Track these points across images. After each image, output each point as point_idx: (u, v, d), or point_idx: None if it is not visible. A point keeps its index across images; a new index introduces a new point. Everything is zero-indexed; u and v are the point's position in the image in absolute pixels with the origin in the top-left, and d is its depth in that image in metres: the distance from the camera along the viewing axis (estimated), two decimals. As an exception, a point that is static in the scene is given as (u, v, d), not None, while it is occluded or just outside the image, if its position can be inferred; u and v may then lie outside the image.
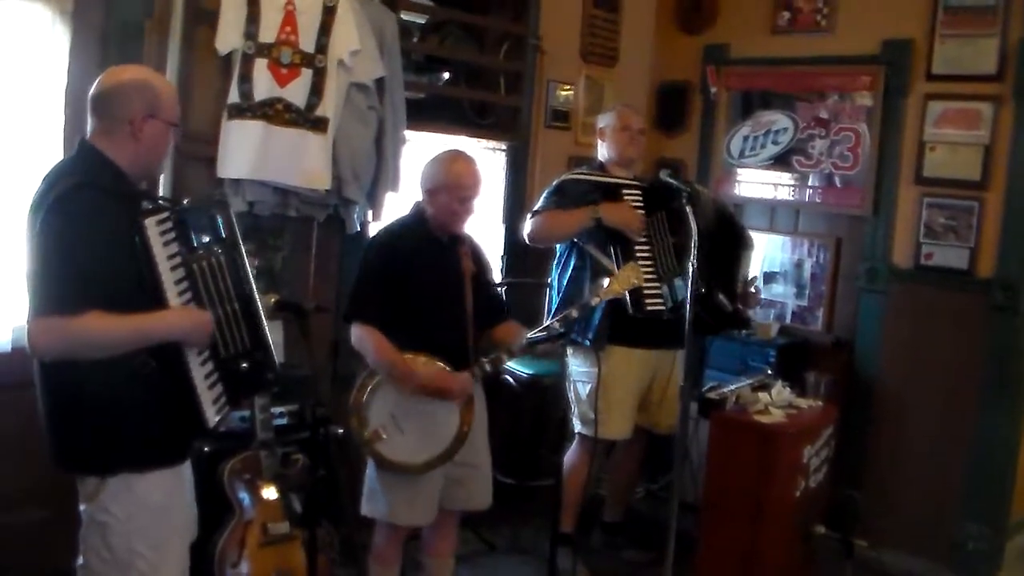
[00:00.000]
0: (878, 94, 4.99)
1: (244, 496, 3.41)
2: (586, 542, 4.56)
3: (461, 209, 3.43)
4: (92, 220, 2.39)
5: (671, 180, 3.89)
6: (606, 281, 3.57)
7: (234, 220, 2.68)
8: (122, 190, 2.53)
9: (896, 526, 4.86)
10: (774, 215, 5.49)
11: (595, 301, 3.57)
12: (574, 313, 3.53)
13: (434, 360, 3.36)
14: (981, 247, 4.69)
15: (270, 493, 3.41)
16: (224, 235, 2.64)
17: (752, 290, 4.41)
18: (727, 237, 4.25)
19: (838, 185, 5.17)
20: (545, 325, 3.54)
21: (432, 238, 3.47)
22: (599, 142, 4.44)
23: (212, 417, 2.57)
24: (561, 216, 4.20)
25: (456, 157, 3.49)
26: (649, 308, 4.10)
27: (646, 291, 4.07)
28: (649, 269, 4.10)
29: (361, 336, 3.37)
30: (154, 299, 2.45)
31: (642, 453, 4.62)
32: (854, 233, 5.16)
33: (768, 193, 5.45)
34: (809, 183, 5.29)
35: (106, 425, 2.46)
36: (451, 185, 3.40)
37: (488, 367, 3.41)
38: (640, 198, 4.22)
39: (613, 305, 4.03)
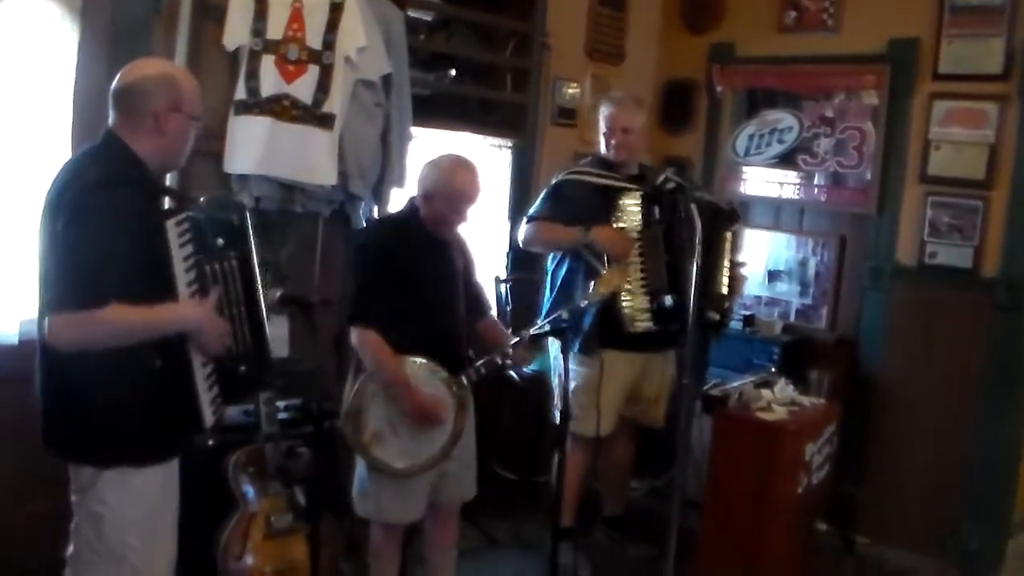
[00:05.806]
0: (884, 93, 4.99)
1: (248, 489, 3.43)
2: (588, 537, 4.58)
3: (455, 218, 3.45)
4: (121, 215, 2.40)
5: (675, 179, 3.92)
6: (591, 284, 3.65)
7: (249, 224, 2.70)
8: (146, 183, 2.56)
9: (898, 523, 4.88)
10: (779, 213, 5.50)
11: (584, 303, 3.67)
12: (564, 315, 3.59)
13: (428, 363, 3.38)
14: (985, 246, 4.69)
15: (274, 486, 3.44)
16: (238, 239, 2.67)
17: (739, 272, 4.41)
18: (715, 231, 4.15)
19: (843, 184, 5.18)
20: (539, 325, 3.59)
21: (426, 235, 3.48)
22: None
23: (209, 416, 2.60)
24: (555, 232, 4.20)
25: (459, 166, 3.45)
26: (640, 326, 4.15)
27: (628, 307, 4.11)
28: (642, 282, 4.12)
29: (361, 339, 3.37)
30: (166, 292, 2.47)
31: (633, 446, 4.62)
32: (858, 231, 5.17)
33: (773, 191, 5.46)
34: (814, 182, 5.29)
35: (108, 419, 2.47)
36: (450, 194, 3.40)
37: (483, 370, 3.44)
38: (639, 206, 4.16)
39: (604, 312, 4.08)
